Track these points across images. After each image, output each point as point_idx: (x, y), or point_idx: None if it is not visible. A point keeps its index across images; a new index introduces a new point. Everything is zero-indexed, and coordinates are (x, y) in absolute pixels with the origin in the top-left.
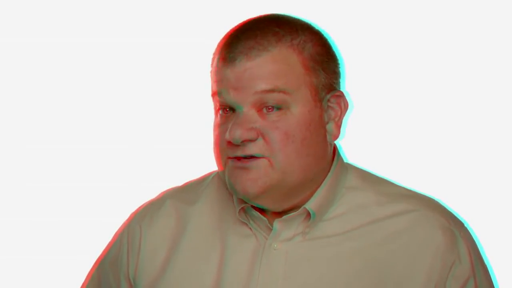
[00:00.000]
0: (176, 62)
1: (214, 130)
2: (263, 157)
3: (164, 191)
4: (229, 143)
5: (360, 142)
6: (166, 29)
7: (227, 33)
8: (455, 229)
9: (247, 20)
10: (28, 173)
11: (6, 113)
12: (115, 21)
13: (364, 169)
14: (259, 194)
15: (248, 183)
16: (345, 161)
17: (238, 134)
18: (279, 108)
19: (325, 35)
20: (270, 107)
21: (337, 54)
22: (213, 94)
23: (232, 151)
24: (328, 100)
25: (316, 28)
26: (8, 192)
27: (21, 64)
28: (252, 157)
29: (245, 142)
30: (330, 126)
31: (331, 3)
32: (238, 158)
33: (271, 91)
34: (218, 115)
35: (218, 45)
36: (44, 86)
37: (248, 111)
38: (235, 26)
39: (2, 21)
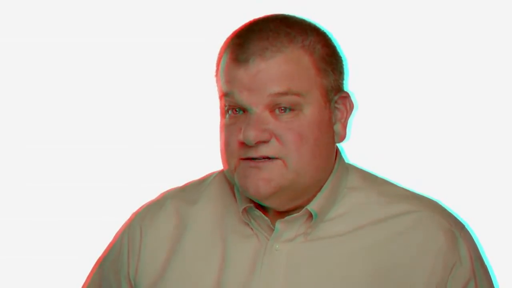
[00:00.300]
0: (176, 62)
1: (222, 131)
2: (277, 158)
3: (165, 192)
4: (241, 144)
5: (360, 142)
6: (166, 29)
7: (234, 33)
8: (456, 230)
9: (254, 20)
10: (28, 173)
11: (6, 113)
12: (115, 21)
13: (365, 170)
14: (270, 195)
15: (260, 183)
16: (346, 161)
17: (253, 135)
18: (291, 109)
19: (329, 35)
20: (282, 108)
21: (341, 55)
22: (223, 95)
23: (244, 152)
24: (335, 101)
25: (322, 28)
26: (8, 192)
27: (21, 64)
28: (265, 158)
29: (258, 143)
30: (337, 127)
31: (330, 2)
32: (250, 159)
33: (285, 93)
34: (227, 116)
35: (226, 45)
36: (44, 86)
37: (261, 112)
38: (242, 26)
39: (2, 21)
